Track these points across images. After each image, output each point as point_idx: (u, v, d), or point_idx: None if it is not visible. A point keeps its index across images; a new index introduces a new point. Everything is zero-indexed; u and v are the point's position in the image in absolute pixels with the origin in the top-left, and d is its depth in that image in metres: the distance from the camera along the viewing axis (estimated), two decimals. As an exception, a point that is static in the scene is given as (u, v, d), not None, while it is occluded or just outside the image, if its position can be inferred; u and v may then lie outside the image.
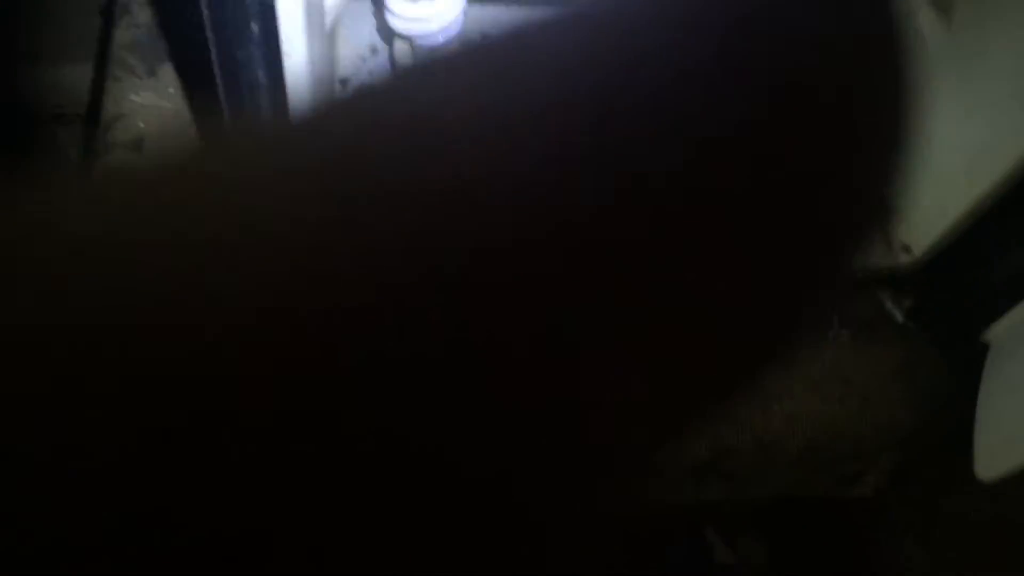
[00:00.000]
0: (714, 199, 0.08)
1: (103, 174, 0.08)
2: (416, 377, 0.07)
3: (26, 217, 0.07)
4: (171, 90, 0.62)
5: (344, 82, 0.57)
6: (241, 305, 0.07)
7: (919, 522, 0.63)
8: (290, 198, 0.07)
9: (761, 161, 0.08)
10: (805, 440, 0.54)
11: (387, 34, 0.54)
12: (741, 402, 0.08)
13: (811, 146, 0.08)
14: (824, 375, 0.54)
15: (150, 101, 0.62)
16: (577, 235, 0.07)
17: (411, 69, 0.08)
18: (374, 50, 0.58)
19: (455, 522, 0.07)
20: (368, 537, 0.07)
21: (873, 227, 0.09)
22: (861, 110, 0.08)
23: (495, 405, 0.07)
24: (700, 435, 0.08)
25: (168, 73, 0.62)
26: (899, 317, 0.57)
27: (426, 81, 0.08)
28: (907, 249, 0.55)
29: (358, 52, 0.58)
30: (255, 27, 0.36)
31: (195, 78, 0.59)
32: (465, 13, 0.51)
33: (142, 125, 0.62)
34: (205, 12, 0.36)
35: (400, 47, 0.52)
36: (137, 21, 0.64)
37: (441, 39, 0.50)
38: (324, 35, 0.48)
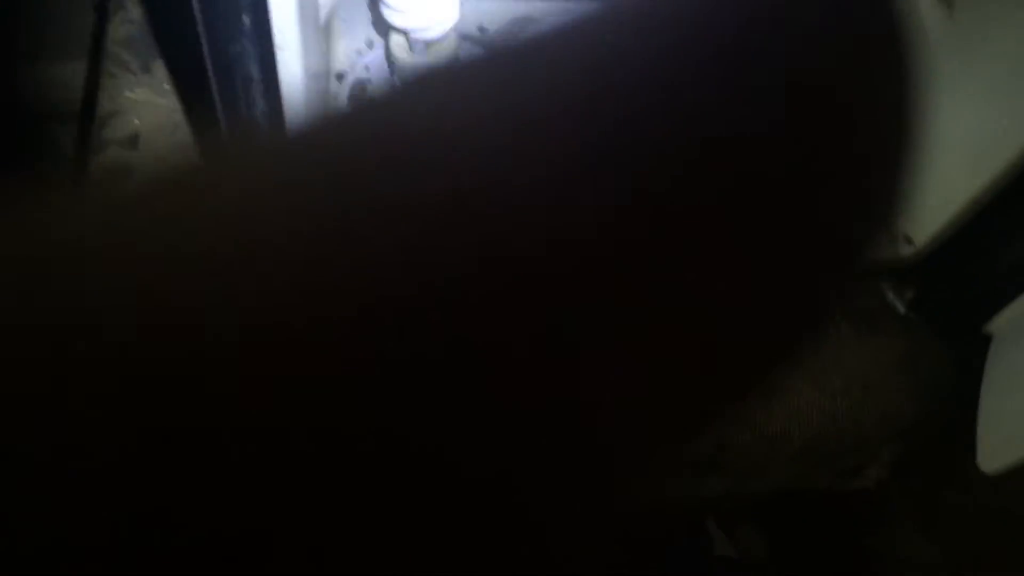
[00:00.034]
0: (714, 199, 0.08)
1: (104, 183, 0.08)
2: (416, 378, 0.07)
3: (29, 226, 0.07)
4: (166, 86, 0.62)
5: (340, 77, 0.57)
6: (242, 309, 0.07)
7: (921, 514, 0.62)
8: (290, 206, 0.07)
9: (763, 160, 0.08)
10: (806, 433, 0.54)
11: (383, 28, 0.53)
12: (742, 401, 0.08)
13: (815, 145, 0.08)
14: (825, 367, 0.54)
15: (145, 97, 0.62)
16: (577, 236, 0.07)
17: (409, 80, 0.08)
18: (370, 44, 0.57)
19: (455, 522, 0.07)
20: (368, 537, 0.07)
21: (878, 225, 0.09)
22: (866, 108, 0.08)
23: (495, 405, 0.07)
24: (701, 434, 0.08)
25: (163, 69, 0.61)
26: (901, 308, 0.57)
27: (424, 91, 0.08)
28: (909, 240, 0.55)
29: (354, 46, 0.57)
30: (247, 20, 0.36)
31: (188, 74, 0.59)
32: (462, 6, 0.50)
33: (137, 122, 0.62)
34: (196, 6, 0.36)
35: (396, 41, 0.52)
36: (131, 17, 0.63)
37: (437, 33, 0.50)
38: (318, 29, 0.48)
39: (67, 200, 0.07)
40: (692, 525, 0.65)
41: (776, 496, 0.64)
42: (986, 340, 0.55)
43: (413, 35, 0.50)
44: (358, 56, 0.57)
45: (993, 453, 0.48)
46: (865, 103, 0.08)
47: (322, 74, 0.52)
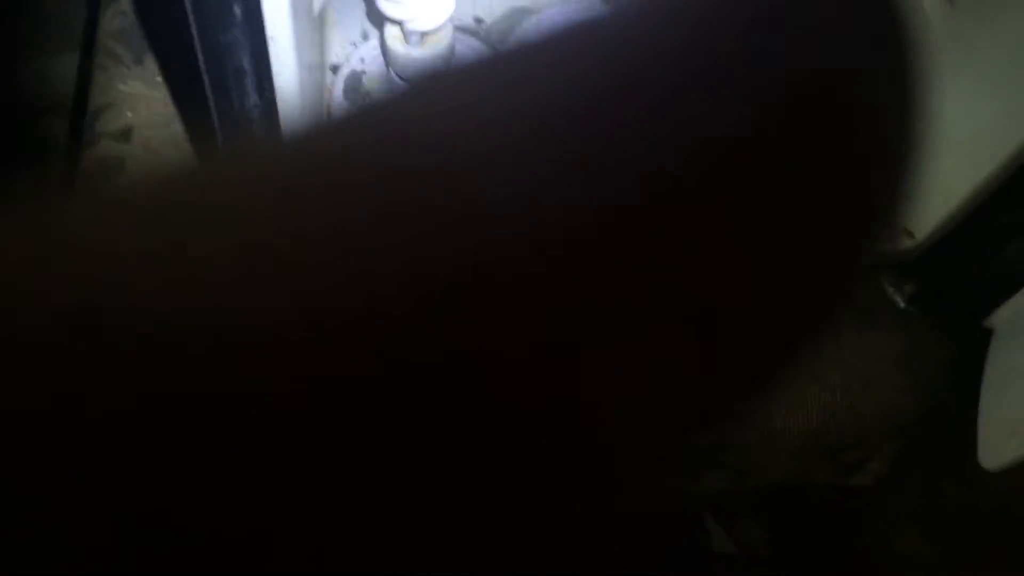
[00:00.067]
0: (715, 199, 0.08)
1: (99, 184, 0.08)
2: (416, 378, 0.07)
3: (32, 233, 0.07)
4: (159, 79, 0.61)
5: (335, 68, 0.56)
6: (240, 314, 0.07)
7: (921, 510, 0.62)
8: (289, 212, 0.07)
9: (764, 160, 0.08)
10: (806, 429, 0.54)
11: (378, 19, 0.53)
12: (744, 402, 0.08)
13: (818, 144, 0.08)
14: (824, 362, 0.53)
15: (138, 90, 0.61)
16: (577, 236, 0.07)
17: (408, 82, 0.09)
18: (365, 35, 0.57)
19: (455, 522, 0.07)
20: (368, 537, 0.07)
21: (883, 225, 0.09)
22: (870, 107, 0.08)
23: (495, 405, 0.07)
24: (701, 434, 0.08)
25: (155, 61, 0.61)
26: (901, 302, 0.57)
27: (424, 94, 0.08)
28: (909, 233, 0.54)
29: (349, 37, 0.57)
30: (238, 10, 0.35)
31: (180, 66, 0.58)
32: (457, -4, 0.50)
33: (130, 115, 0.61)
34: (186, -5, 0.35)
35: (391, 32, 0.51)
36: (123, 8, 0.63)
37: (433, 24, 0.49)
38: (312, 19, 0.47)
39: (64, 205, 0.07)
40: (690, 520, 0.65)
41: (775, 492, 0.63)
42: (987, 335, 0.54)
43: (409, 26, 0.49)
44: (353, 47, 0.57)
45: (994, 450, 0.48)
46: (869, 102, 0.08)
47: (316, 66, 0.52)
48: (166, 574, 0.06)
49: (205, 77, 0.40)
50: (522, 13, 0.57)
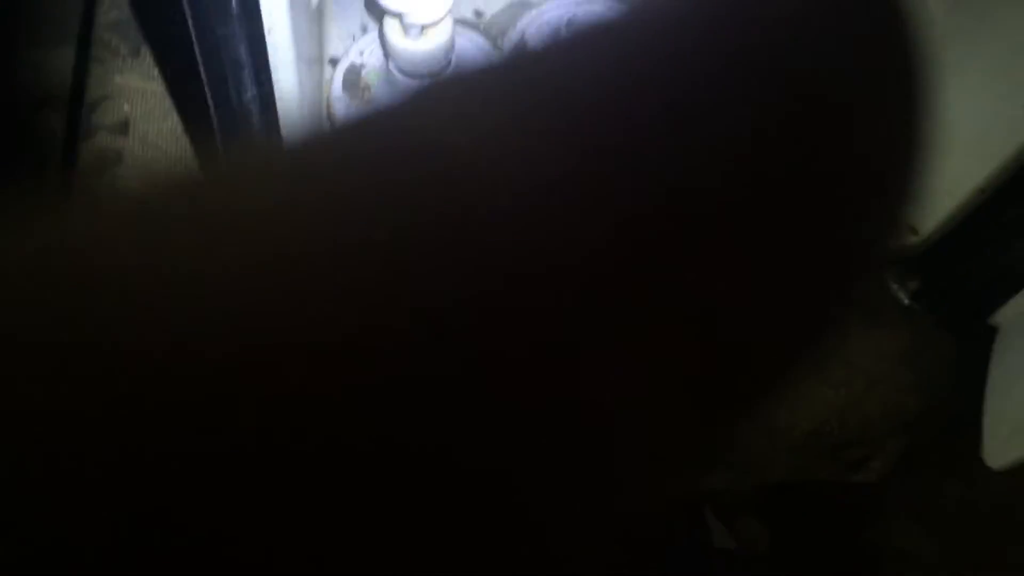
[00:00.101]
0: (717, 199, 0.08)
1: (107, 197, 0.08)
2: (417, 378, 0.07)
3: (32, 237, 0.07)
4: (156, 71, 0.61)
5: (333, 62, 0.55)
6: (241, 322, 0.07)
7: (923, 508, 0.62)
8: (293, 222, 0.07)
9: (768, 160, 0.08)
10: (809, 426, 0.53)
11: (377, 11, 0.52)
12: (746, 402, 0.08)
13: (822, 145, 0.08)
14: (828, 359, 0.53)
15: (135, 83, 0.61)
16: (578, 237, 0.07)
17: (411, 91, 0.08)
18: (364, 28, 0.56)
19: (455, 522, 0.07)
20: (369, 537, 0.07)
21: (889, 225, 0.09)
22: (875, 107, 0.08)
23: (495, 405, 0.07)
24: (703, 434, 0.08)
25: (152, 54, 0.60)
26: (905, 299, 0.56)
27: (426, 103, 0.08)
28: (914, 229, 0.54)
29: (347, 30, 0.56)
30: (235, 2, 0.35)
31: (178, 58, 0.58)
32: (457, -12, 0.49)
33: (127, 107, 0.61)
34: (182, -14, 0.34)
35: (391, 25, 0.51)
36: (120, 1, 0.62)
37: (433, 16, 0.49)
38: (310, 12, 0.47)
39: (65, 209, 0.08)
40: (691, 517, 0.65)
41: (777, 489, 0.63)
42: (991, 332, 0.54)
43: (408, 19, 0.49)
44: (352, 41, 0.56)
45: (999, 449, 0.48)
46: (874, 103, 0.08)
47: (315, 59, 0.51)
48: (166, 574, 0.06)
49: (202, 70, 0.39)
50: (522, 7, 0.57)
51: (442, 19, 0.49)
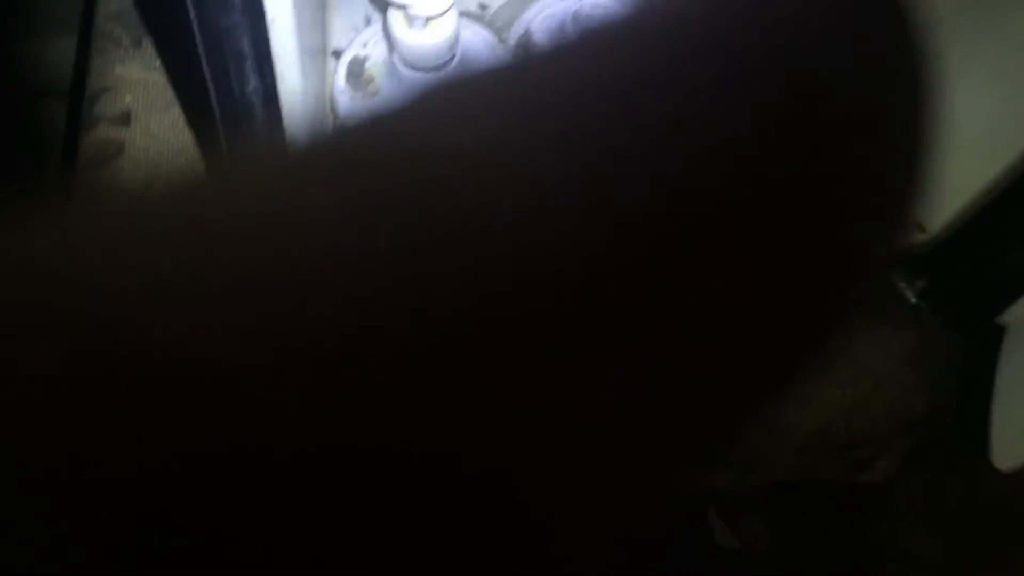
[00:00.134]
0: (718, 200, 0.08)
1: (111, 201, 0.08)
2: (417, 379, 0.07)
3: (36, 240, 0.07)
4: (158, 62, 0.60)
5: (337, 54, 0.55)
6: (241, 329, 0.07)
7: (927, 508, 0.62)
8: (293, 231, 0.07)
9: (770, 161, 0.08)
10: (815, 425, 0.53)
11: (381, 3, 0.52)
12: (750, 402, 0.08)
13: (827, 146, 0.08)
14: (834, 358, 0.53)
15: (136, 74, 0.60)
16: (579, 239, 0.07)
17: (417, 93, 0.08)
18: (368, 20, 0.56)
19: (455, 522, 0.07)
20: (369, 536, 0.07)
21: (892, 227, 0.09)
22: (878, 109, 0.08)
23: (495, 405, 0.07)
24: (705, 434, 0.08)
25: (154, 44, 0.60)
26: (912, 298, 0.56)
27: (429, 106, 0.08)
28: (921, 227, 0.53)
29: (351, 22, 0.56)
30: (237, -9, 0.34)
31: (180, 49, 0.57)
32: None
33: (128, 99, 0.60)
34: (184, -25, 0.34)
35: (395, 17, 0.50)
36: (122, -10, 0.61)
37: (437, 9, 0.48)
38: (313, 3, 0.46)
39: (66, 212, 0.07)
40: (693, 516, 0.64)
41: (781, 488, 0.63)
42: (999, 332, 0.53)
43: (412, 11, 0.48)
44: (355, 32, 0.55)
45: (1008, 450, 0.47)
46: (877, 102, 0.08)
47: (318, 50, 0.51)
48: (166, 573, 0.06)
49: (204, 61, 0.39)
50: (526, 0, 0.56)
51: (446, 11, 0.49)
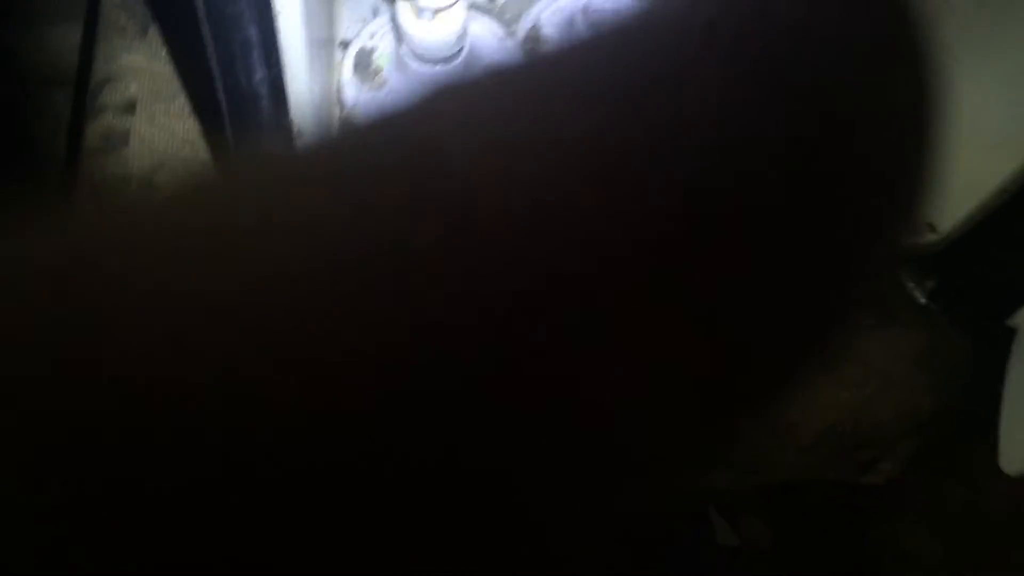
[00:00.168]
0: (726, 201, 0.08)
1: (112, 207, 0.08)
2: (416, 378, 0.07)
3: (39, 247, 0.07)
4: (164, 51, 0.60)
5: (344, 45, 0.54)
6: (245, 336, 0.07)
7: (929, 509, 0.61)
8: (294, 237, 0.07)
9: (775, 161, 0.08)
10: (820, 426, 0.53)
11: (389, -6, 0.51)
12: (753, 402, 0.08)
13: (830, 145, 0.08)
14: (842, 358, 0.52)
15: (142, 63, 0.60)
16: (583, 237, 0.07)
17: (423, 92, 0.08)
18: (376, 11, 0.55)
19: (455, 522, 0.07)
20: (369, 536, 0.07)
21: (897, 227, 0.09)
22: (879, 109, 0.08)
23: (495, 405, 0.07)
24: (709, 434, 0.08)
25: (160, 33, 0.59)
26: (921, 298, 0.55)
27: (436, 108, 0.08)
28: (932, 227, 0.53)
29: (359, 13, 0.55)
30: (245, -20, 0.34)
31: (186, 38, 0.57)
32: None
33: (134, 87, 0.60)
34: (192, -37, 0.33)
35: (403, 8, 0.50)
36: (128, -22, 0.61)
37: (445, 1, 0.48)
38: (322, -8, 0.46)
39: (69, 217, 0.07)
40: (694, 515, 0.64)
41: (783, 488, 0.63)
42: (1010, 334, 0.53)
43: (420, 3, 0.48)
44: (363, 23, 0.55)
45: (1016, 454, 0.47)
46: (879, 103, 0.08)
47: (325, 41, 0.50)
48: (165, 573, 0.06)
49: (211, 50, 0.38)
50: (538, -9, 0.56)
51: (455, 3, 0.48)
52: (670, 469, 0.08)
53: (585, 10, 0.54)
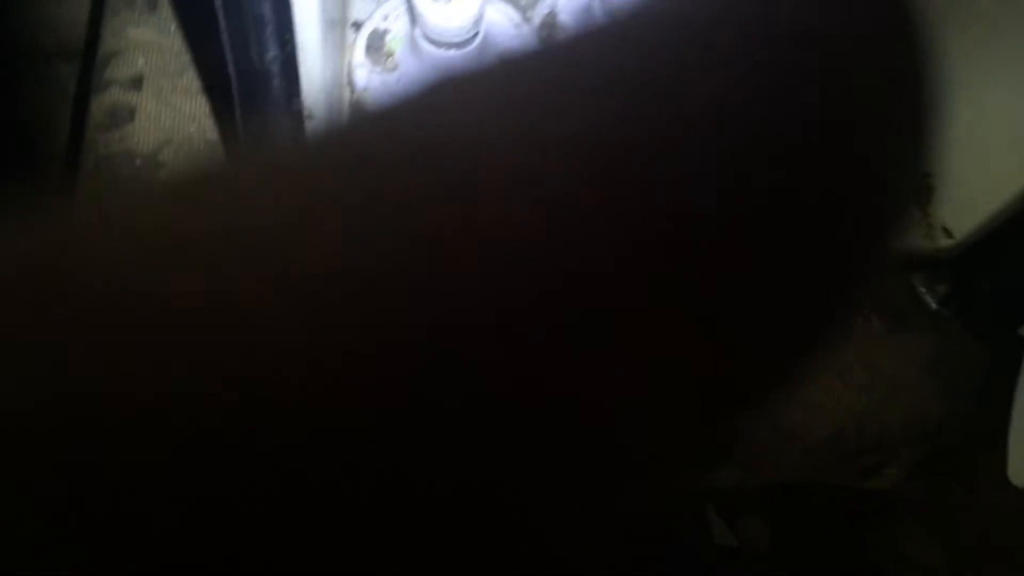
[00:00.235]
0: (727, 202, 0.08)
1: (113, 208, 0.08)
2: (416, 378, 0.07)
3: (39, 248, 0.07)
4: (173, 26, 0.59)
5: (357, 25, 0.54)
6: (251, 347, 0.07)
7: (932, 515, 0.61)
8: (295, 241, 0.07)
9: (775, 160, 0.08)
10: (826, 429, 0.52)
11: (404, -25, 0.50)
12: (755, 402, 0.08)
13: (827, 146, 0.08)
14: (851, 362, 0.52)
15: (150, 37, 0.59)
16: (587, 239, 0.07)
17: (427, 89, 0.08)
18: (389, -8, 0.54)
19: (455, 522, 0.07)
20: (368, 536, 0.07)
21: (893, 227, 0.09)
22: (879, 110, 0.08)
23: (495, 405, 0.07)
24: (711, 434, 0.08)
25: (170, 7, 0.58)
26: (932, 304, 0.55)
27: (439, 104, 0.08)
28: (948, 232, 0.52)
29: (372, -6, 0.54)
30: (261, -46, 0.33)
31: (196, 12, 0.56)
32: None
33: (141, 62, 0.59)
34: (206, -66, 0.33)
35: (418, -11, 0.49)
36: (138, -50, 0.60)
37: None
38: (337, -29, 0.45)
39: (70, 218, 0.07)
40: (693, 515, 0.64)
41: (784, 490, 0.62)
42: (1021, 343, 0.52)
43: (436, -16, 0.47)
44: (376, 4, 0.54)
45: (1027, 465, 0.46)
46: (879, 104, 0.08)
47: (337, 21, 0.49)
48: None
49: (223, 25, 0.37)
50: (556, -22, 0.55)
51: (470, -11, 0.47)
52: (670, 469, 0.08)
53: (603, -2, 0.53)
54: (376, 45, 0.53)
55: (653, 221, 0.08)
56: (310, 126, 0.43)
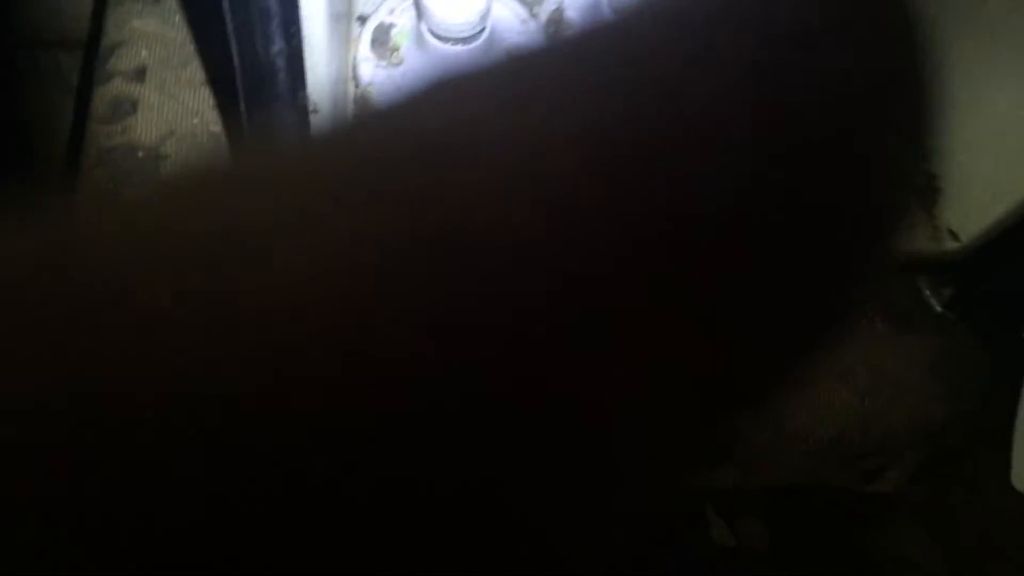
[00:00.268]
0: (728, 202, 0.08)
1: (112, 217, 0.08)
2: (416, 378, 0.07)
3: (39, 249, 0.07)
4: (177, 18, 0.58)
5: (362, 19, 0.53)
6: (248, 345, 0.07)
7: (937, 519, 0.61)
8: (295, 244, 0.07)
9: (774, 163, 0.08)
10: (828, 431, 0.52)
11: (411, -31, 0.50)
12: (757, 402, 0.08)
13: (827, 147, 0.08)
14: (854, 364, 0.51)
15: (154, 28, 0.59)
16: (587, 238, 0.07)
17: (427, 88, 0.08)
18: (396, -14, 0.54)
19: (456, 522, 0.07)
20: (369, 536, 0.07)
21: (892, 227, 0.09)
22: (879, 111, 0.08)
23: (495, 405, 0.07)
24: (712, 434, 0.08)
25: (174, -1, 0.58)
26: (937, 307, 0.54)
27: (453, 99, 0.08)
28: (954, 234, 0.52)
29: (378, -12, 0.54)
30: (268, -55, 0.33)
31: (201, 3, 0.55)
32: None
33: (144, 54, 0.58)
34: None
35: (424, -16, 0.48)
36: (143, -59, 0.60)
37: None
38: (344, -36, 0.44)
39: (70, 219, 0.07)
40: (692, 515, 0.64)
41: (785, 491, 0.62)
42: (1026, 346, 0.52)
43: (443, -21, 0.47)
44: (383, -1, 0.54)
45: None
46: (879, 105, 0.08)
47: (343, 15, 0.49)
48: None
49: (228, 16, 0.37)
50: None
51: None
52: (670, 469, 0.08)
53: (609, -5, 0.53)
54: (382, 39, 0.53)
55: (653, 221, 0.08)
56: (315, 120, 0.43)
